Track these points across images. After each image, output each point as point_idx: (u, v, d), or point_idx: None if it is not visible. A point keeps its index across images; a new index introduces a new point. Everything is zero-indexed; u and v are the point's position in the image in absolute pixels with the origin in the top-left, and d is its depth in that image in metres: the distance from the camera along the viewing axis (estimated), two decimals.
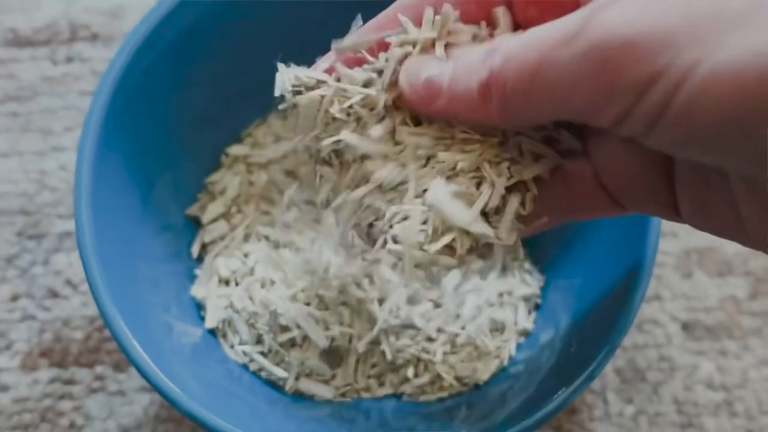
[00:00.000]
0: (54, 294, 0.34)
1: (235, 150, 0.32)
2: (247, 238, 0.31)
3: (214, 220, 0.31)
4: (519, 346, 0.30)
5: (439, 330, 0.28)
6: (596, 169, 0.21)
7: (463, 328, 0.28)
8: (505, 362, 0.29)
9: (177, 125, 0.30)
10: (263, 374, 0.29)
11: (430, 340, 0.28)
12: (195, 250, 0.31)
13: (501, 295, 0.30)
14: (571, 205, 0.21)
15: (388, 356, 0.27)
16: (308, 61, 0.32)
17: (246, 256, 0.30)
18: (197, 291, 0.30)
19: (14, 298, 0.34)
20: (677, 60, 0.14)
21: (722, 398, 0.33)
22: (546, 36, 0.17)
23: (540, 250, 0.32)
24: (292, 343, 0.28)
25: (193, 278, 0.31)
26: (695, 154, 0.16)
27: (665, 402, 0.33)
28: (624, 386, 0.33)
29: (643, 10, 0.15)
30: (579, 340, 0.27)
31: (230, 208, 0.31)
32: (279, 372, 0.28)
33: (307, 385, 0.28)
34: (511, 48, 0.17)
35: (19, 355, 0.33)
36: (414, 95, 0.20)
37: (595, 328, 0.26)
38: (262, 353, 0.28)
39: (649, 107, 0.15)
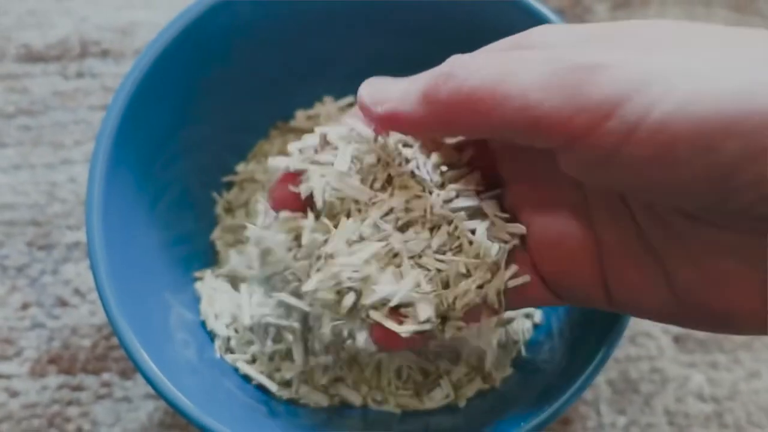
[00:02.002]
0: (63, 303, 0.35)
1: (242, 168, 0.33)
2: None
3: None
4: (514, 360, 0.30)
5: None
6: (533, 258, 0.21)
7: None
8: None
9: (185, 141, 0.31)
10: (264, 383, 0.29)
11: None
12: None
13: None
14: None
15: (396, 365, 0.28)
16: (313, 81, 0.34)
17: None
18: (203, 304, 0.31)
19: (24, 306, 0.35)
20: (650, 85, 0.15)
21: (712, 410, 0.33)
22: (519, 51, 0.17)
23: None
24: (284, 354, 0.29)
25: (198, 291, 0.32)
26: (647, 177, 0.16)
27: (657, 413, 0.33)
28: (616, 397, 0.34)
29: (617, 46, 0.16)
30: (570, 352, 0.27)
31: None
32: (271, 385, 0.29)
33: (307, 394, 0.29)
34: (474, 57, 0.17)
35: (28, 362, 0.34)
36: (368, 97, 0.20)
37: (586, 340, 0.27)
38: (262, 361, 0.29)
39: (617, 126, 0.15)
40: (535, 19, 0.28)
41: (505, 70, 0.16)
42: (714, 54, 0.15)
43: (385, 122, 0.20)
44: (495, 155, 0.22)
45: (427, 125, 0.19)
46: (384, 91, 0.20)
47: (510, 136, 0.17)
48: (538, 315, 0.31)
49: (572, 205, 0.20)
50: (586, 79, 0.15)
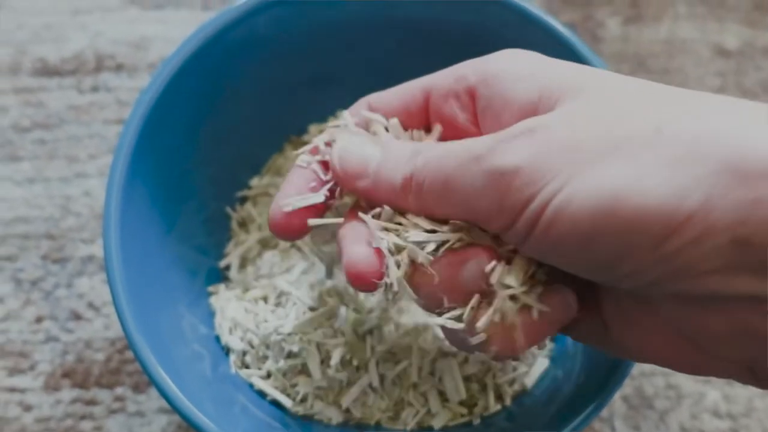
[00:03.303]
0: (77, 316, 0.35)
1: (256, 182, 0.34)
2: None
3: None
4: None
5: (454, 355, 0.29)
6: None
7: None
8: (528, 386, 0.30)
9: (200, 156, 0.31)
10: (278, 399, 0.29)
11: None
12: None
13: None
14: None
15: (414, 378, 0.28)
16: (326, 95, 0.34)
17: (266, 299, 0.31)
18: (217, 318, 0.31)
19: (39, 320, 0.35)
20: (544, 190, 0.18)
21: (728, 426, 0.33)
22: (461, 151, 0.20)
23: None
24: (300, 370, 0.29)
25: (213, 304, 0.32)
26: (555, 262, 0.20)
27: (672, 430, 0.33)
28: (631, 413, 0.34)
29: (529, 148, 0.19)
30: (587, 370, 0.27)
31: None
32: (286, 400, 0.29)
33: (322, 410, 0.29)
34: (432, 155, 0.21)
35: (42, 376, 0.34)
36: (342, 172, 0.23)
37: (603, 358, 0.26)
38: (277, 377, 0.29)
39: (524, 223, 0.19)
40: (547, 33, 0.28)
41: (452, 175, 0.20)
42: (604, 145, 0.18)
43: (363, 195, 0.23)
44: None
45: (407, 208, 0.22)
46: (357, 163, 0.23)
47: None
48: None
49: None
50: (507, 184, 0.19)
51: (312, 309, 0.29)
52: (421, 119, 0.25)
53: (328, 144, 0.24)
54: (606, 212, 0.17)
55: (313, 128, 0.35)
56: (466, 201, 0.20)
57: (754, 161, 0.16)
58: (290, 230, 0.24)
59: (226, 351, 0.30)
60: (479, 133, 0.23)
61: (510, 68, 0.22)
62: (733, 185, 0.16)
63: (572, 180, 0.18)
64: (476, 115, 0.23)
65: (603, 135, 0.18)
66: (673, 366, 0.21)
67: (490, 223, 0.20)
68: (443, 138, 0.24)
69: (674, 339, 0.20)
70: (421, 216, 0.22)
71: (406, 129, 0.25)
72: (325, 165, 0.24)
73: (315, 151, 0.25)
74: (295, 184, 0.24)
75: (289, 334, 0.28)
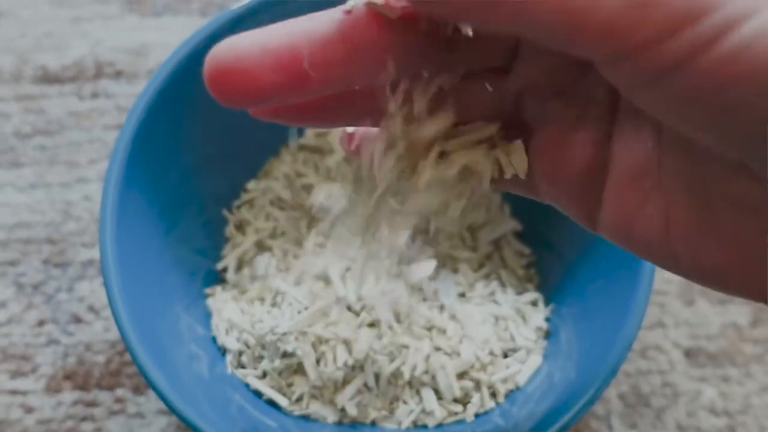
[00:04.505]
0: (77, 319, 0.35)
1: (252, 186, 0.34)
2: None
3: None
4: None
5: (444, 351, 0.29)
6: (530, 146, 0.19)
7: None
8: (521, 384, 0.30)
9: (197, 160, 0.31)
10: (274, 398, 0.30)
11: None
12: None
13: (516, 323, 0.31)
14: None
15: (406, 376, 0.28)
16: None
17: (262, 300, 0.31)
18: (214, 319, 0.31)
19: (40, 323, 0.35)
20: (727, 6, 0.12)
21: (725, 424, 0.33)
22: None
23: (543, 278, 0.33)
24: (295, 369, 0.29)
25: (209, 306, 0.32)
26: (710, 114, 0.13)
27: (669, 427, 0.33)
28: (628, 411, 0.34)
29: None
30: (579, 366, 0.28)
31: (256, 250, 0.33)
32: (282, 400, 0.29)
33: (318, 410, 0.29)
34: None
35: (43, 378, 0.34)
36: None
37: (593, 354, 0.27)
38: (273, 376, 0.30)
39: (682, 46, 0.12)
40: None
41: None
42: None
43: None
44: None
45: (458, 14, 0.14)
46: None
47: (542, 38, 0.13)
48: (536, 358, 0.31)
49: (596, 119, 0.17)
50: None
51: (306, 308, 0.29)
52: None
53: None
54: None
55: (309, 131, 0.35)
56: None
57: None
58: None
59: (223, 352, 0.31)
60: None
61: None
62: None
63: None
64: None
65: None
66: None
67: (610, 38, 0.12)
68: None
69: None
70: None
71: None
72: None
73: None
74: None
75: (284, 334, 0.29)
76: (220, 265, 0.33)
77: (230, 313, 0.31)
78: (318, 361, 0.29)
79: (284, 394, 0.29)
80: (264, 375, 0.30)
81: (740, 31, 0.12)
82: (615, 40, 0.12)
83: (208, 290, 0.32)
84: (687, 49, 0.12)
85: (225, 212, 0.34)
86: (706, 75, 0.12)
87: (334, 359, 0.28)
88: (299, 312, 0.29)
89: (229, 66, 0.16)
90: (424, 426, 0.29)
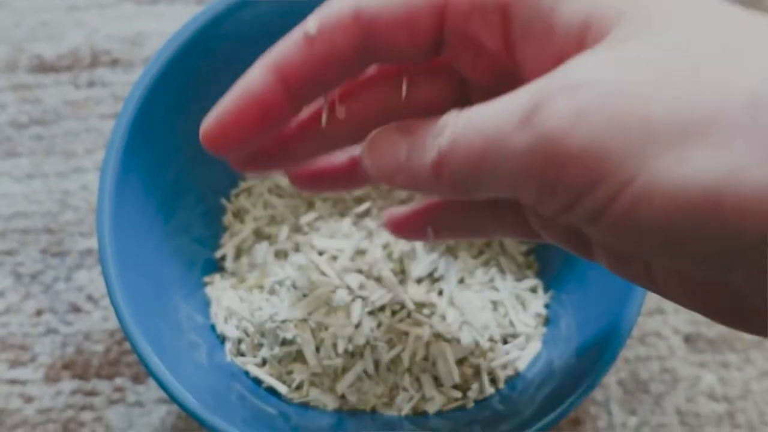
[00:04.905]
0: (76, 309, 0.35)
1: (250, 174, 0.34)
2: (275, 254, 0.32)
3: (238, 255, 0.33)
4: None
5: (444, 339, 0.29)
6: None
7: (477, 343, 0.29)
8: (520, 370, 0.30)
9: (194, 148, 0.31)
10: (274, 386, 0.30)
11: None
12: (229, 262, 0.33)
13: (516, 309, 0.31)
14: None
15: (405, 364, 0.28)
16: None
17: (262, 288, 0.31)
18: (213, 307, 0.31)
19: (38, 312, 0.35)
20: (614, 175, 0.14)
21: (724, 410, 0.33)
22: (492, 119, 0.16)
23: (543, 265, 0.33)
24: (294, 357, 0.29)
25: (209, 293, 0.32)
26: (626, 249, 0.16)
27: (668, 413, 0.33)
28: (627, 397, 0.34)
29: (577, 113, 0.15)
30: (579, 352, 0.28)
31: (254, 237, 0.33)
32: (281, 387, 0.29)
33: (317, 397, 0.29)
34: (458, 129, 0.17)
35: (42, 368, 0.34)
36: (377, 171, 0.20)
37: (593, 340, 0.27)
38: (272, 364, 0.30)
39: (587, 208, 0.15)
40: None
41: (485, 154, 0.16)
42: (683, 120, 0.14)
43: (405, 188, 0.20)
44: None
45: (446, 194, 0.19)
46: (389, 161, 0.19)
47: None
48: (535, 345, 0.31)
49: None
50: (559, 163, 0.15)
51: (306, 295, 0.29)
52: (428, 38, 0.19)
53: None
54: (705, 209, 0.14)
55: None
56: (505, 182, 0.16)
57: None
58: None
59: (222, 340, 0.31)
60: (513, 63, 0.19)
61: None
62: None
63: (650, 164, 0.14)
64: (509, 39, 0.18)
65: (678, 106, 0.14)
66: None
67: (538, 207, 0.16)
68: (467, 67, 0.20)
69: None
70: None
71: (404, 56, 0.19)
72: None
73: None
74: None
75: (284, 321, 0.29)
76: (218, 254, 0.33)
77: (229, 301, 0.31)
78: (318, 349, 0.29)
79: (284, 382, 0.29)
80: (263, 363, 0.30)
81: (627, 194, 0.15)
82: (541, 208, 0.17)
83: (206, 279, 0.32)
84: (590, 212, 0.15)
85: (223, 201, 0.34)
86: (614, 226, 0.15)
87: (334, 346, 0.28)
88: (299, 299, 0.29)
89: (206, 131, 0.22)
90: (424, 412, 0.29)
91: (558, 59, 0.16)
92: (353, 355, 0.29)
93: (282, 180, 0.34)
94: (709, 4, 0.16)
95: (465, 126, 0.17)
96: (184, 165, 0.31)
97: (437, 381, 0.29)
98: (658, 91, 0.14)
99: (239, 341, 0.30)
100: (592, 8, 0.16)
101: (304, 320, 0.29)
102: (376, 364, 0.29)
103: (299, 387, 0.29)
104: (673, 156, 0.14)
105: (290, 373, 0.29)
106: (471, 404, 0.29)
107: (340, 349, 0.28)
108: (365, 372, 0.29)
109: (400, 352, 0.29)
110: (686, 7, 0.15)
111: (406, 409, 0.29)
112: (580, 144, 0.15)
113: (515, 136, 0.15)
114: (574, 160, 0.15)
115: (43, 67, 0.40)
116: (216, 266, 0.33)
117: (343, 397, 0.29)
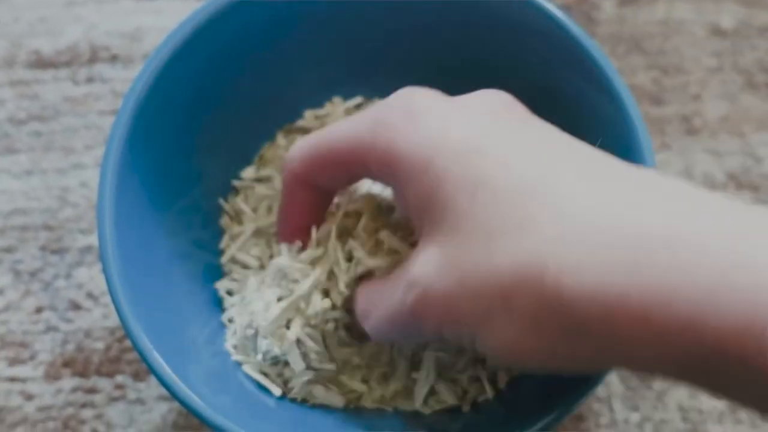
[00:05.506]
0: (76, 306, 0.35)
1: (248, 173, 0.33)
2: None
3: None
4: None
5: None
6: None
7: None
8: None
9: (192, 146, 0.31)
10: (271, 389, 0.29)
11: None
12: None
13: None
14: None
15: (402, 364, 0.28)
16: (321, 83, 0.34)
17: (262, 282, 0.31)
18: (215, 306, 0.31)
19: (38, 310, 0.35)
20: (461, 333, 0.21)
21: (727, 405, 0.33)
22: (386, 296, 0.24)
23: None
24: (286, 362, 0.29)
25: (210, 292, 0.32)
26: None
27: (670, 409, 0.33)
28: (629, 393, 0.34)
29: (422, 304, 0.22)
30: None
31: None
32: (276, 390, 0.29)
33: (321, 394, 0.29)
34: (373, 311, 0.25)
35: (42, 365, 0.34)
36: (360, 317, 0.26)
37: None
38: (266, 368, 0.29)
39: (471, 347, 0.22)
40: (541, 15, 0.28)
41: (370, 305, 0.25)
42: (476, 308, 0.21)
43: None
44: None
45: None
46: (370, 308, 0.25)
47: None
48: None
49: None
50: (417, 318, 0.22)
51: (280, 299, 0.28)
52: (360, 175, 0.26)
53: None
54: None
55: (308, 113, 0.35)
56: (403, 334, 0.25)
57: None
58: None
59: (224, 338, 0.31)
60: None
61: (406, 155, 0.22)
62: None
63: (478, 331, 0.21)
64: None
65: (469, 302, 0.20)
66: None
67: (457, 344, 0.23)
68: None
69: None
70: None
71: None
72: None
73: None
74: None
75: (264, 337, 0.28)
76: (224, 259, 0.33)
77: (228, 303, 0.31)
78: (305, 356, 0.28)
79: (287, 381, 0.29)
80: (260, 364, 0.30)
81: (476, 345, 0.22)
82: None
83: (207, 277, 0.32)
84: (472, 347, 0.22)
85: (221, 201, 0.33)
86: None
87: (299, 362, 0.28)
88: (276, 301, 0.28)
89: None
90: (424, 414, 0.29)
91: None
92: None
93: (279, 179, 0.33)
94: (494, 191, 0.21)
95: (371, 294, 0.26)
96: (183, 161, 0.31)
97: (439, 376, 0.29)
98: (460, 286, 0.21)
99: (234, 347, 0.30)
100: (422, 195, 0.22)
101: (282, 333, 0.28)
102: (376, 359, 0.29)
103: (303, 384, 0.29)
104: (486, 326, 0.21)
105: (284, 377, 0.29)
106: (469, 404, 0.29)
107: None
108: (366, 368, 0.29)
109: (399, 347, 0.29)
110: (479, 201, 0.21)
111: (410, 405, 0.29)
112: (434, 326, 0.22)
113: (400, 307, 0.23)
114: (430, 326, 0.22)
115: (41, 62, 0.40)
116: (218, 266, 0.33)
117: (346, 393, 0.29)
